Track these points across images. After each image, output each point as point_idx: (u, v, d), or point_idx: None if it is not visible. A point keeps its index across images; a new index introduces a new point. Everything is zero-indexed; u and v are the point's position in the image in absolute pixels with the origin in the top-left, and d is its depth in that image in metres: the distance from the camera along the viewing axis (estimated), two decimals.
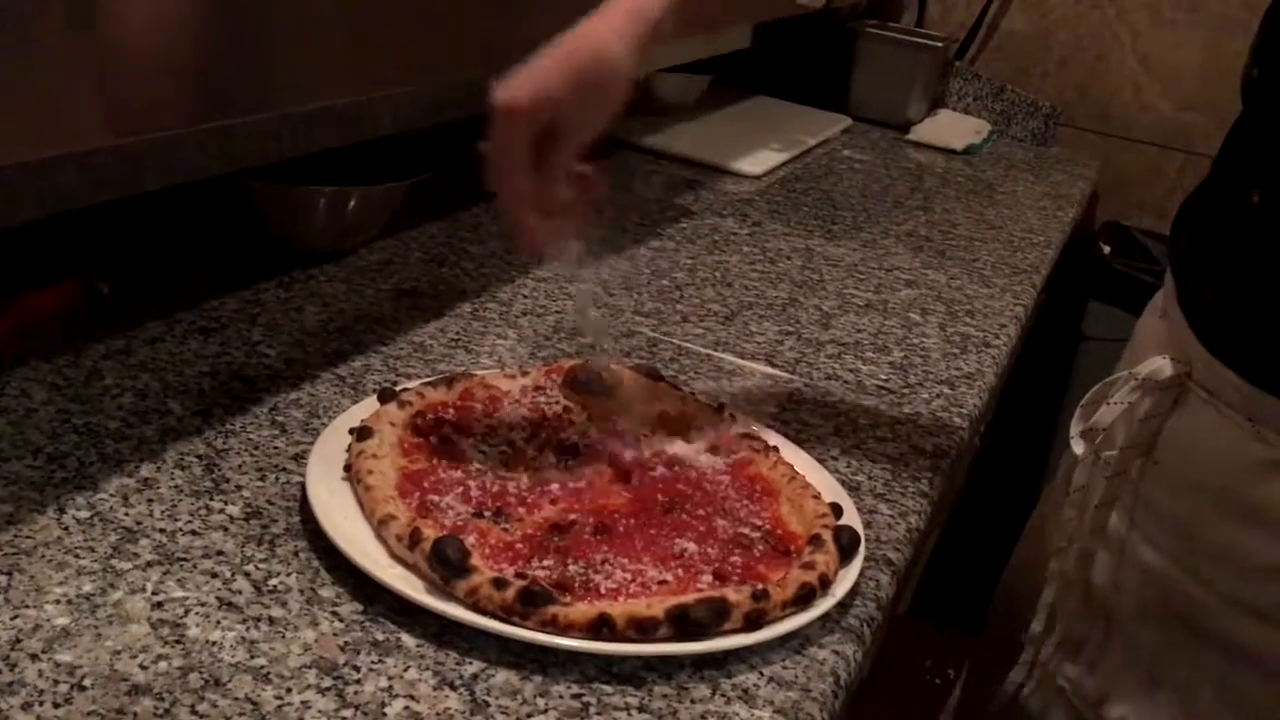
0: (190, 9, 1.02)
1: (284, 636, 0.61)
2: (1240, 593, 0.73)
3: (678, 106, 1.80)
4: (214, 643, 0.59)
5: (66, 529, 0.66)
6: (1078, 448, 0.82)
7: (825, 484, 0.79)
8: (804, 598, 0.66)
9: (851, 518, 0.76)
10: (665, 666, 0.63)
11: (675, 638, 0.63)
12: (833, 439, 0.91)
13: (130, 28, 0.90)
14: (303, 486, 0.71)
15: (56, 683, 0.55)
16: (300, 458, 0.76)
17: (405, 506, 0.69)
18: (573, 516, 0.72)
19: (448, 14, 1.18)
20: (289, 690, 0.57)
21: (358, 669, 0.59)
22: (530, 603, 0.62)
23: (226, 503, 0.71)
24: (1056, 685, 0.86)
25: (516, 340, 0.99)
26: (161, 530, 0.67)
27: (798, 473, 0.79)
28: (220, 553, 0.66)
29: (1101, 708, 0.83)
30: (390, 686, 0.59)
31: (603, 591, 0.65)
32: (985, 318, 1.22)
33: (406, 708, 0.58)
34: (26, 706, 0.54)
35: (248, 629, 0.61)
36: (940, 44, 2.06)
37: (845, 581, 0.70)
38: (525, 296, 1.08)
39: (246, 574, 0.65)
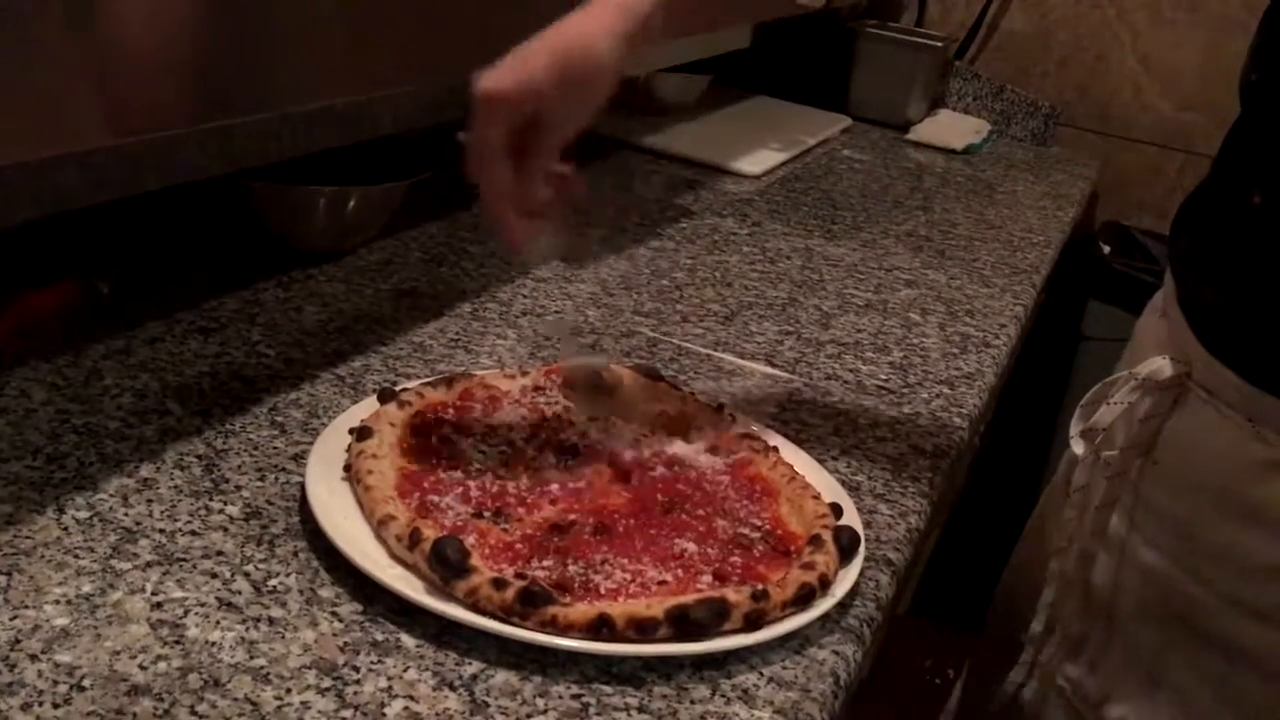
0: (190, 9, 1.02)
1: (283, 637, 0.61)
2: (1240, 593, 0.73)
3: (678, 106, 1.80)
4: (213, 643, 0.59)
5: (66, 529, 0.66)
6: (1078, 448, 0.82)
7: (825, 484, 0.79)
8: (804, 598, 0.66)
9: (851, 518, 0.76)
10: (665, 667, 0.63)
11: (675, 638, 0.63)
12: (833, 439, 0.91)
13: (130, 28, 0.90)
14: (302, 487, 0.71)
15: (56, 683, 0.55)
16: (300, 458, 0.76)
17: (405, 507, 0.69)
18: (572, 517, 0.72)
19: (448, 14, 1.18)
20: (288, 691, 0.57)
21: (357, 669, 0.59)
22: (530, 603, 0.62)
23: (226, 503, 0.71)
24: (1056, 685, 0.86)
25: (516, 340, 0.99)
26: (161, 530, 0.67)
27: (797, 473, 0.79)
28: (220, 553, 0.66)
29: (1101, 708, 0.83)
30: (390, 687, 0.59)
31: (602, 592, 0.65)
32: (985, 318, 1.22)
33: (406, 708, 0.58)
34: (26, 707, 0.54)
35: (247, 629, 0.61)
36: (940, 44, 2.06)
37: (845, 582, 0.70)
38: (525, 296, 1.08)
39: (246, 574, 0.65)
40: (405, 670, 0.60)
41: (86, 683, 0.56)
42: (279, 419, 0.81)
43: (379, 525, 0.67)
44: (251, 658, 0.59)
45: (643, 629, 0.62)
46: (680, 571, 0.68)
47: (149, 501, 0.69)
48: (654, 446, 0.80)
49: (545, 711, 0.59)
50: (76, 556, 0.64)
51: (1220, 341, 0.73)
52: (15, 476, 0.70)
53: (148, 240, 1.05)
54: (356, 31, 1.08)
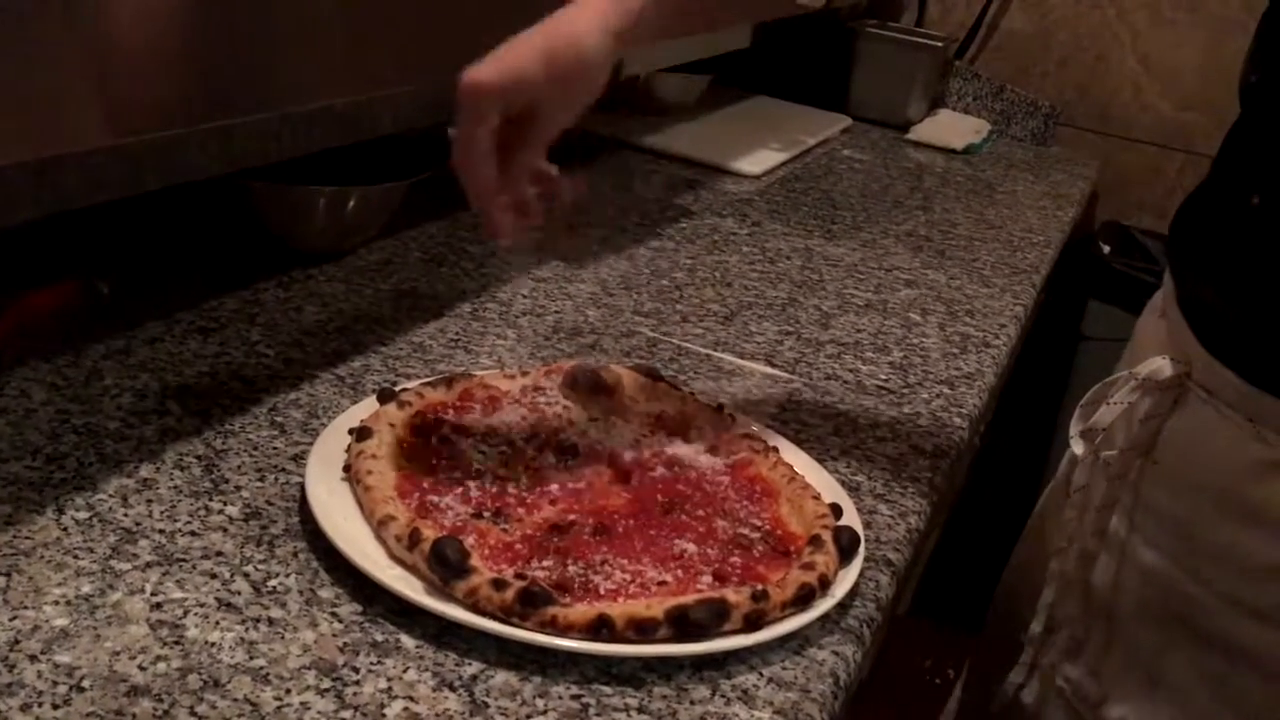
0: (190, 9, 1.02)
1: (283, 637, 0.61)
2: (1240, 593, 0.73)
3: (678, 106, 1.80)
4: (213, 644, 0.59)
5: (65, 530, 0.66)
6: (1078, 448, 0.82)
7: (825, 484, 0.79)
8: (804, 598, 0.66)
9: (851, 518, 0.76)
10: (665, 667, 0.63)
11: (675, 639, 0.63)
12: (833, 439, 0.91)
13: (130, 28, 0.90)
14: (302, 487, 0.71)
15: (55, 684, 0.55)
16: (299, 458, 0.76)
17: (404, 507, 0.69)
18: (572, 517, 0.72)
19: (448, 14, 1.18)
20: (288, 691, 0.57)
21: (357, 670, 0.59)
22: (530, 603, 0.62)
23: (225, 503, 0.71)
24: (1056, 686, 0.86)
25: (516, 340, 0.99)
26: (160, 531, 0.67)
27: (797, 473, 0.79)
28: (219, 553, 0.66)
29: (1101, 708, 0.83)
30: (389, 687, 0.59)
31: (602, 592, 0.65)
32: (985, 318, 1.22)
33: (406, 709, 0.58)
34: (25, 708, 0.53)
35: (247, 630, 0.61)
36: (940, 44, 2.06)
37: (845, 582, 0.70)
38: (525, 296, 1.08)
39: (246, 575, 0.65)
40: (405, 671, 0.60)
41: (86, 683, 0.56)
42: (279, 419, 0.81)
43: (379, 526, 0.67)
44: (251, 658, 0.59)
45: (642, 629, 0.62)
46: (680, 572, 0.68)
47: (149, 502, 0.69)
48: (654, 447, 0.80)
49: (545, 712, 0.59)
50: (76, 557, 0.64)
51: (1220, 341, 0.73)
52: (15, 477, 0.70)
53: (148, 240, 1.05)
54: (356, 31, 1.08)
